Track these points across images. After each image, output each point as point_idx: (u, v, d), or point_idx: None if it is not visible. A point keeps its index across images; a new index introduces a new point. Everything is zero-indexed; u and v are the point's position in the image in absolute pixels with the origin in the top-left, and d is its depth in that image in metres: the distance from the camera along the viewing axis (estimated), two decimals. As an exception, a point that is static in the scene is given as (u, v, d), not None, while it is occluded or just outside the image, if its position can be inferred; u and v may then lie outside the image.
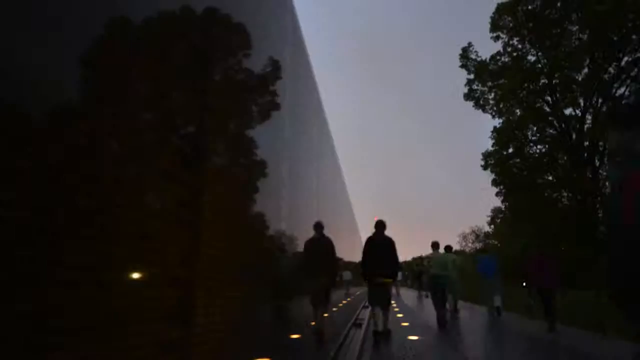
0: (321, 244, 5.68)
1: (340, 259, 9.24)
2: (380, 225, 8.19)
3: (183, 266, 1.51)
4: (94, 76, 1.07)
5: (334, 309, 7.04)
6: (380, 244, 8.00)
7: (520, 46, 36.33)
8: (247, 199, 2.44)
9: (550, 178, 36.64)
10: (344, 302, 9.46)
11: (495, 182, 37.70)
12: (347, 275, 12.84)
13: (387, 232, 7.92)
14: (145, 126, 1.33)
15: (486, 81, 38.33)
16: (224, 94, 2.03)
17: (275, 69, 3.07)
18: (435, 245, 10.16)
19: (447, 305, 10.65)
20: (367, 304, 16.64)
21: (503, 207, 40.77)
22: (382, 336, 7.86)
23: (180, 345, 1.48)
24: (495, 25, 36.85)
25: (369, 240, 8.11)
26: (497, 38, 36.42)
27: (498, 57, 37.53)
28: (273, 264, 2.99)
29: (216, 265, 1.83)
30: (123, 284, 1.18)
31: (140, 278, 1.25)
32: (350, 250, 13.29)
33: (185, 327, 1.53)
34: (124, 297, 1.17)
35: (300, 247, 3.98)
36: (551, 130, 36.40)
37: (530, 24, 34.35)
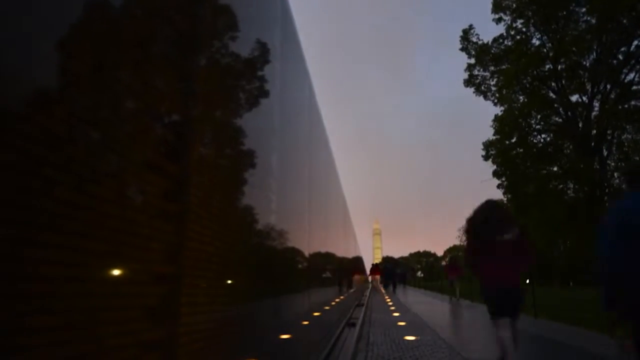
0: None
1: (333, 254, 9.25)
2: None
3: (167, 262, 1.51)
4: (70, 60, 1.07)
5: (326, 308, 7.07)
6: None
7: (524, 29, 36.29)
8: (235, 191, 2.44)
9: (556, 169, 36.74)
10: (337, 300, 9.49)
11: (496, 173, 37.78)
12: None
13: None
14: (126, 114, 1.32)
15: (488, 66, 38.26)
16: (209, 79, 2.03)
17: (264, 54, 3.06)
18: None
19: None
20: (361, 302, 16.78)
21: (505, 200, 40.87)
22: None
23: (164, 345, 1.48)
24: (497, 6, 36.68)
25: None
26: (499, 20, 36.39)
27: (501, 41, 37.43)
28: (262, 260, 3.00)
29: (202, 260, 1.83)
30: (102, 281, 1.19)
31: (121, 275, 1.26)
32: (345, 246, 13.31)
33: (170, 327, 1.54)
34: (104, 296, 1.17)
35: (291, 242, 3.98)
36: (557, 118, 36.51)
37: (535, 6, 34.27)
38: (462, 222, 6.24)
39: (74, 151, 1.05)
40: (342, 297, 11.27)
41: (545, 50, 34.90)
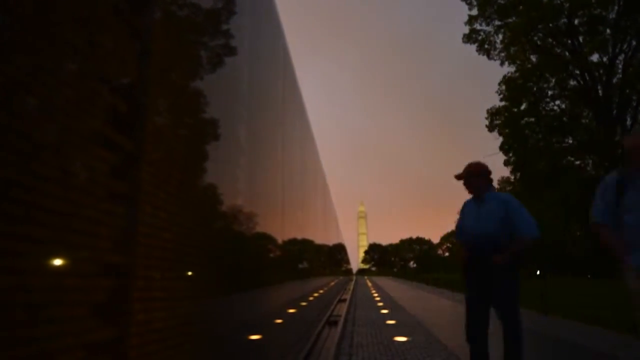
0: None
1: (311, 241, 9.29)
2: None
3: (116, 251, 1.52)
4: (2, 15, 1.06)
5: (303, 304, 7.11)
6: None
7: (535, -25, 35.97)
8: (195, 167, 2.44)
9: (572, 141, 36.94)
10: (315, 294, 9.54)
11: (503, 147, 37.87)
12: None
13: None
14: (69, 77, 1.32)
15: (492, 19, 38.07)
16: (164, 35, 2.02)
17: (229, 4, 3.05)
18: None
19: None
20: (343, 296, 16.82)
21: (512, 178, 41.15)
22: None
23: (113, 347, 1.49)
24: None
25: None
26: (507, -36, 36.08)
27: (508, -12, 37.05)
28: (228, 248, 3.01)
29: (157, 249, 1.84)
30: (39, 273, 1.18)
31: (62, 266, 1.25)
32: (325, 232, 13.35)
33: (120, 326, 1.55)
34: (41, 290, 1.17)
35: (262, 227, 4.00)
36: (573, 82, 36.68)
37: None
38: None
39: (3, 120, 1.05)
40: (322, 291, 11.33)
41: (559, 1, 34.80)
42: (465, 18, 38.11)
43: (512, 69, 37.37)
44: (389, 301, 18.78)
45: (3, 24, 1.06)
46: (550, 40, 35.54)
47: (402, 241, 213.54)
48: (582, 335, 9.45)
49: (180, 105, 2.24)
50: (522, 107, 37.21)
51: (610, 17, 34.49)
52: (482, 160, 6.03)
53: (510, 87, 36.50)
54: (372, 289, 30.67)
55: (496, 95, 37.46)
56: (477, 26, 38.43)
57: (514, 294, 6.03)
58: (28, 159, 1.12)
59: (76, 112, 1.32)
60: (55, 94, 1.24)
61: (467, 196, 6.13)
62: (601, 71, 35.40)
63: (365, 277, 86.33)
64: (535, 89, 36.49)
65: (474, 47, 38.30)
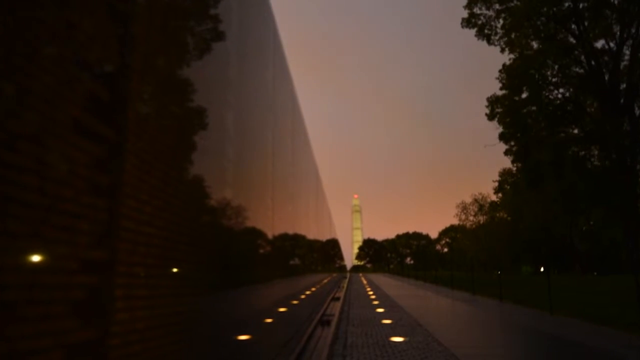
0: None
1: (303, 237, 9.29)
2: None
3: (97, 246, 1.51)
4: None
5: (294, 302, 7.11)
6: None
7: (538, -44, 35.96)
8: (181, 158, 2.44)
9: (576, 131, 36.99)
10: (308, 292, 9.55)
11: (504, 137, 37.94)
12: None
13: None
14: (48, 63, 1.31)
15: (493, 3, 38.05)
16: (148, 19, 2.00)
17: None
18: None
19: None
20: (337, 294, 16.93)
21: (514, 168, 41.21)
22: None
23: (93, 348, 1.49)
24: None
25: None
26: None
27: (510, -29, 37.08)
28: (215, 244, 3.01)
29: (140, 244, 1.83)
30: (18, 269, 1.18)
31: (41, 262, 1.25)
32: (318, 226, 13.35)
33: (101, 325, 1.54)
34: (19, 287, 1.17)
35: (251, 221, 4.00)
36: (577, 69, 36.65)
37: None
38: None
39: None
40: (314, 289, 11.34)
41: (564, -17, 34.75)
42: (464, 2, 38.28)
43: (513, 55, 37.37)
44: (384, 299, 18.83)
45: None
46: (553, 25, 35.48)
47: (398, 236, 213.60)
48: (589, 335, 9.49)
49: (165, 93, 2.23)
50: (524, 95, 37.19)
51: (616, 1, 34.48)
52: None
53: (511, 75, 36.46)
54: (367, 286, 30.72)
55: (496, 83, 37.44)
56: (477, 10, 38.38)
57: None
58: (2, 149, 1.11)
59: (54, 100, 1.31)
60: (31, 80, 1.23)
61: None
62: (607, 58, 35.40)
63: (360, 274, 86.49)
64: (537, 76, 36.44)
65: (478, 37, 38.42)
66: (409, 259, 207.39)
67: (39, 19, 1.27)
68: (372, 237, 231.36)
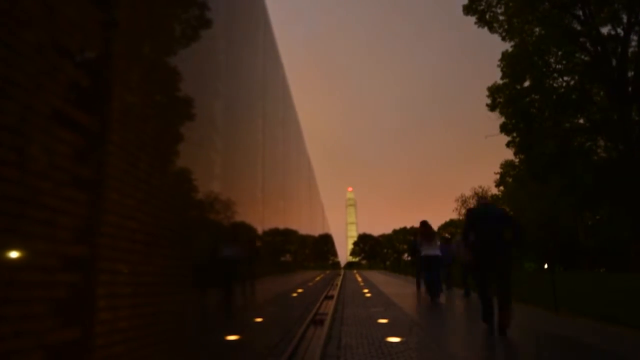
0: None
1: (295, 232, 9.30)
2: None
3: (78, 241, 1.51)
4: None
5: (286, 301, 7.12)
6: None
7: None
8: (167, 150, 2.44)
9: (582, 121, 37.00)
10: (300, 290, 9.56)
11: (506, 127, 37.95)
12: None
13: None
14: (25, 49, 1.31)
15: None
16: (132, 4, 2.00)
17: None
18: None
19: None
20: (330, 292, 17.10)
21: (517, 160, 41.24)
22: None
23: (75, 349, 1.49)
24: None
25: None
26: None
27: (512, -46, 37.02)
28: (202, 239, 3.01)
29: (124, 240, 1.83)
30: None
31: (19, 258, 1.25)
32: (310, 221, 13.36)
33: (83, 325, 1.54)
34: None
35: (240, 216, 4.00)
36: (583, 56, 36.63)
37: None
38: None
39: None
40: (306, 287, 11.35)
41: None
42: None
43: (515, 42, 37.28)
44: (379, 297, 18.86)
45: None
46: (556, 10, 35.42)
47: (395, 231, 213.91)
48: (597, 335, 9.52)
49: (150, 82, 2.23)
50: (526, 84, 37.14)
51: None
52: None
53: (513, 62, 36.39)
54: (361, 283, 30.76)
55: (496, 73, 37.47)
56: (478, -5, 38.31)
57: None
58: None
59: (34, 88, 1.31)
60: (9, 68, 1.23)
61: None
62: (613, 44, 35.36)
63: (355, 272, 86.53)
64: (540, 63, 36.39)
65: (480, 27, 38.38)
66: (406, 255, 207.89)
67: (17, 3, 1.27)
68: (367, 232, 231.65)
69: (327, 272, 27.09)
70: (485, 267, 9.68)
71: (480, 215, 9.89)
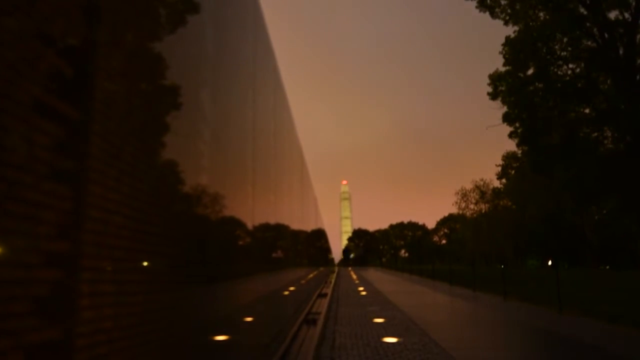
0: None
1: (286, 227, 9.30)
2: None
3: (60, 237, 1.51)
4: None
5: (277, 299, 7.12)
6: None
7: None
8: (152, 141, 2.43)
9: (588, 111, 37.00)
10: (292, 288, 9.57)
11: (508, 117, 37.92)
12: None
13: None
14: (4, 36, 1.31)
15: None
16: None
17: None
18: None
19: None
20: (324, 290, 17.17)
21: (519, 152, 41.22)
22: None
23: (57, 349, 1.49)
24: None
25: None
26: None
27: None
28: (190, 235, 3.01)
29: (108, 235, 1.83)
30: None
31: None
32: (303, 216, 13.35)
33: (65, 325, 1.54)
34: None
35: (229, 210, 4.00)
36: (589, 43, 36.59)
37: None
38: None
39: None
40: (299, 284, 11.35)
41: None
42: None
43: (518, 27, 37.21)
44: (375, 295, 18.89)
45: None
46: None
47: (392, 226, 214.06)
48: (601, 336, 9.55)
49: (134, 70, 2.22)
50: (530, 72, 37.07)
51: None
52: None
53: (516, 48, 36.32)
54: (356, 281, 30.81)
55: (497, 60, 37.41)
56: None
57: None
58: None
59: (12, 77, 1.31)
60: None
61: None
62: (621, 30, 35.32)
63: (349, 269, 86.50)
64: (544, 49, 36.34)
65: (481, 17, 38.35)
66: (403, 251, 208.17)
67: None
68: (362, 227, 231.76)
69: (321, 269, 27.09)
70: None
71: None
